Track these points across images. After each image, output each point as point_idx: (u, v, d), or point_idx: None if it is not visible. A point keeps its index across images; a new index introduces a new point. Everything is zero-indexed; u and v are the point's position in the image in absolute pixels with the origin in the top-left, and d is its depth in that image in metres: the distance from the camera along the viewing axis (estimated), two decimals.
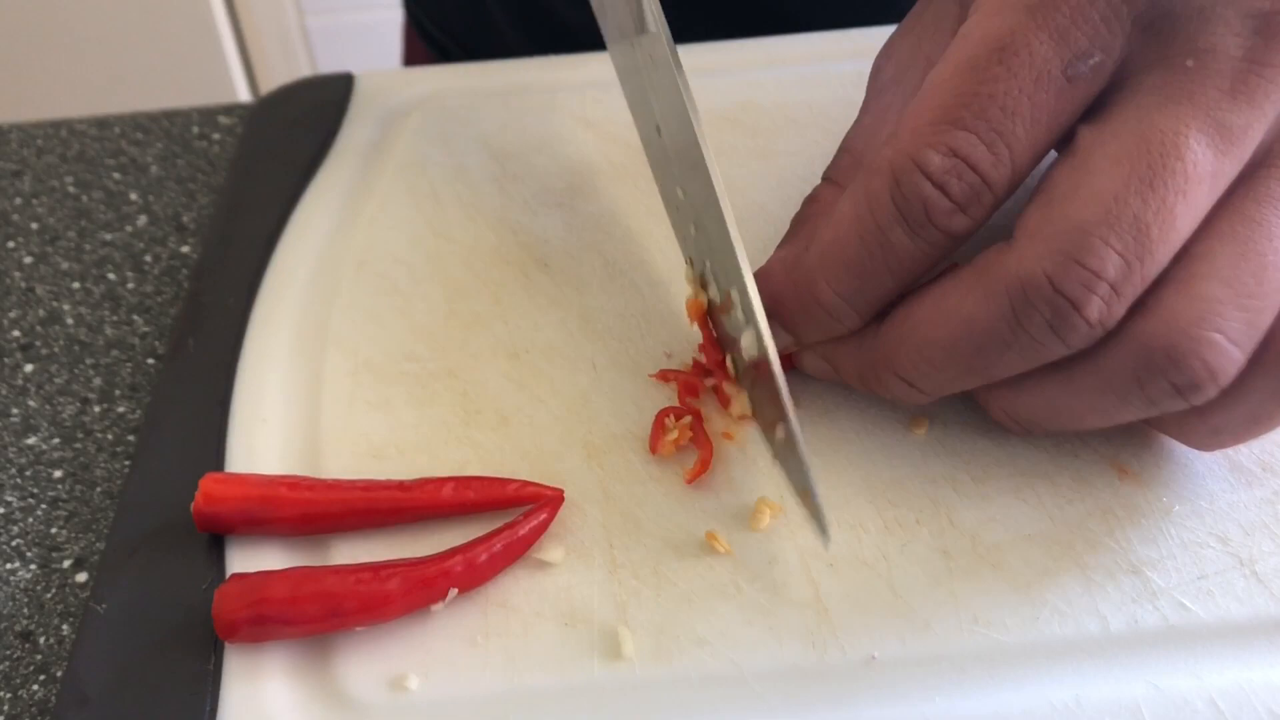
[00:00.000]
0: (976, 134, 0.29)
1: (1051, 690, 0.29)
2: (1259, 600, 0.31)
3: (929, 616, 0.31)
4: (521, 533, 0.32)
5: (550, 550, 0.33)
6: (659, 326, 0.40)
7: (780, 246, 0.36)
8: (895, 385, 0.32)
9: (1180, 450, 0.34)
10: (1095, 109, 0.30)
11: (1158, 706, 0.29)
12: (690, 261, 0.37)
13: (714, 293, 0.35)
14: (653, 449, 0.35)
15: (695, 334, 0.39)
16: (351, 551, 0.33)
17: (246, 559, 0.33)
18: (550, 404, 0.37)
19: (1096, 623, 0.30)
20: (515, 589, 0.32)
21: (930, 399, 0.33)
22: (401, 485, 0.33)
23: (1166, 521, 0.33)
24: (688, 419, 0.35)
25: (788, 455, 0.31)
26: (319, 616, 0.30)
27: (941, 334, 0.30)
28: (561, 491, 0.34)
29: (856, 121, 0.37)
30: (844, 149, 0.37)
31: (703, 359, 0.37)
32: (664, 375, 0.37)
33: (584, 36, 0.48)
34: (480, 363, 0.39)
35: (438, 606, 0.31)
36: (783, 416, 0.31)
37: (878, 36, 0.53)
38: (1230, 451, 0.34)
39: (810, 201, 0.37)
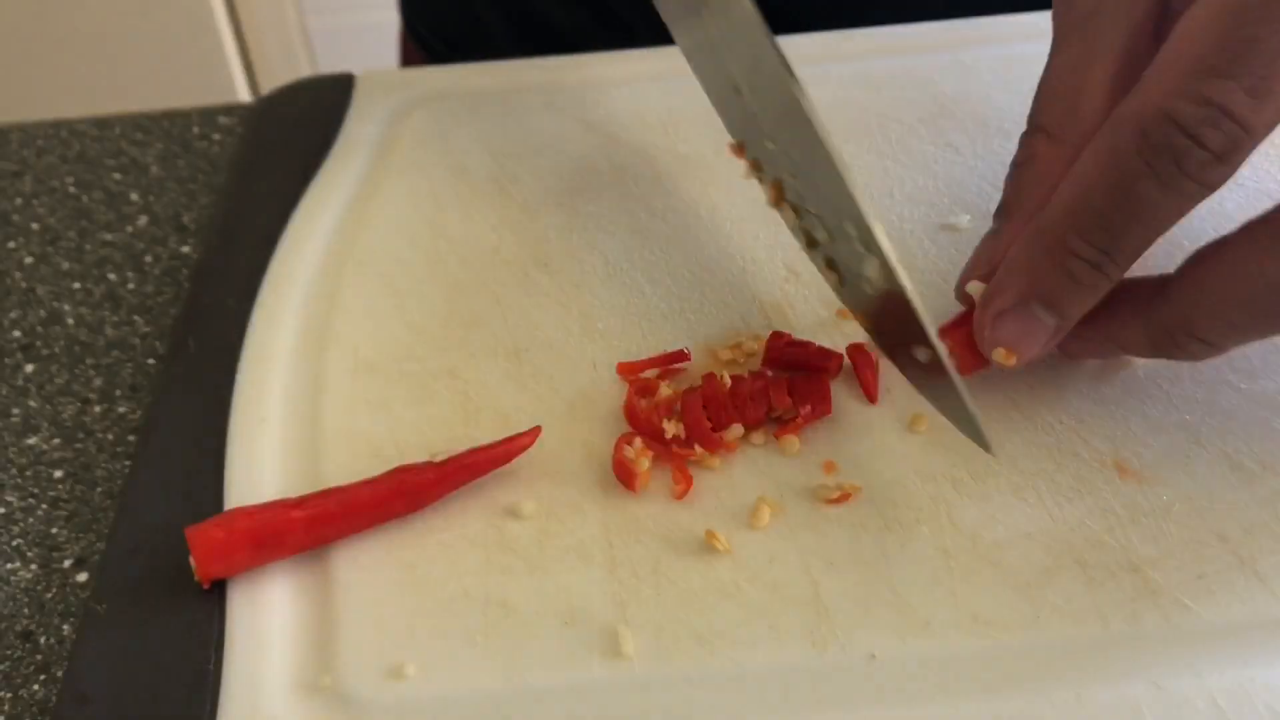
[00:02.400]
0: (1236, 80, 0.28)
1: (1051, 690, 0.29)
2: (1259, 599, 0.31)
3: (929, 616, 0.31)
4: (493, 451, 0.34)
5: (523, 503, 0.34)
6: (659, 326, 0.40)
7: (1003, 215, 0.35)
8: (1195, 347, 0.32)
9: (1181, 448, 0.34)
10: None
11: (1158, 706, 0.29)
12: (793, 209, 0.37)
13: (820, 234, 0.34)
14: (630, 487, 0.34)
15: (695, 334, 0.39)
16: (352, 552, 0.33)
17: None
18: (550, 404, 0.37)
19: (1096, 621, 0.30)
20: (515, 588, 0.32)
21: (1222, 354, 0.33)
22: (368, 482, 0.34)
23: (1167, 520, 0.33)
24: (639, 442, 0.34)
25: (933, 376, 0.31)
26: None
27: (1243, 295, 0.30)
28: (538, 427, 0.35)
29: (1053, 59, 0.35)
30: (1048, 92, 0.35)
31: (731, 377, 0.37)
32: (627, 368, 0.37)
33: (576, 41, 0.48)
34: (480, 363, 0.39)
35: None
36: (924, 338, 0.31)
37: (877, 37, 0.53)
38: (1230, 450, 0.34)
39: (1025, 163, 0.35)
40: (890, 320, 0.32)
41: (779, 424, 0.36)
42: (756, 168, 0.38)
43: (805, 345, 0.37)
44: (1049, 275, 0.32)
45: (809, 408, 0.35)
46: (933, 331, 0.31)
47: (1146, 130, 0.29)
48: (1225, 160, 0.29)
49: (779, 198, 0.36)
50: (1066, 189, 0.31)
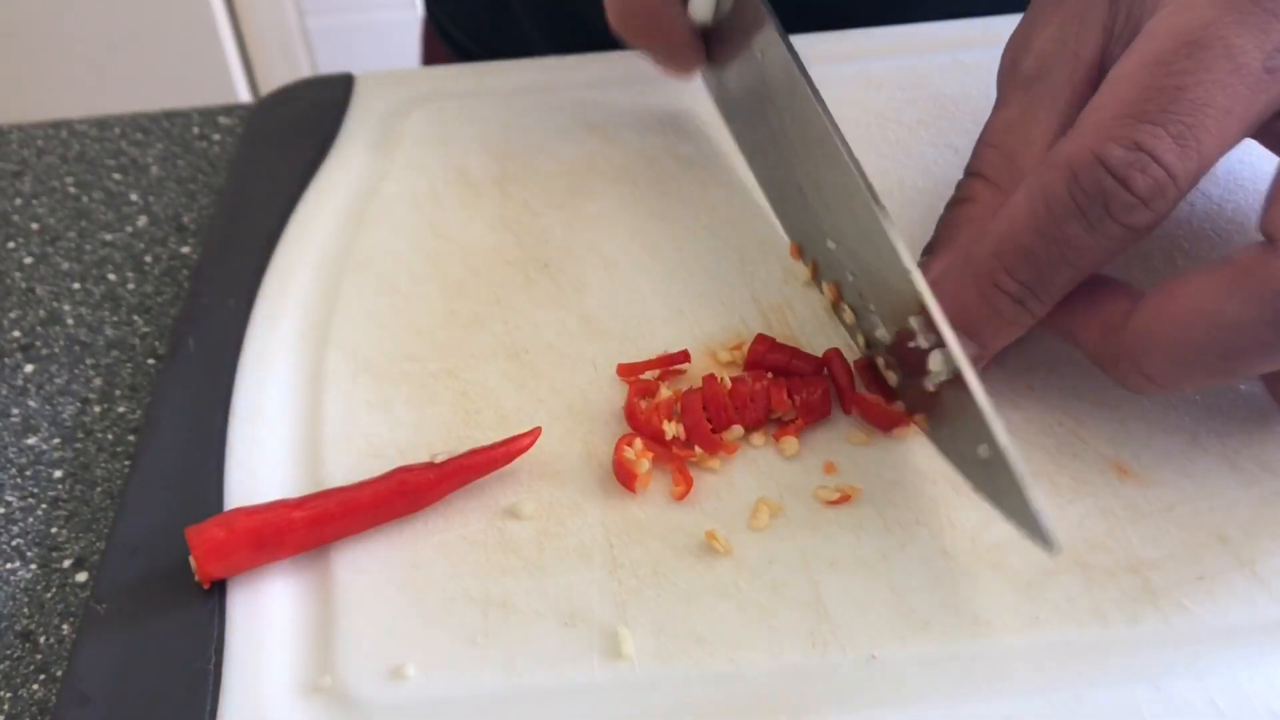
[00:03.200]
0: (1163, 127, 0.29)
1: (1051, 690, 0.29)
2: (1259, 599, 0.31)
3: (929, 616, 0.31)
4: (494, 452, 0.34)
5: (524, 503, 0.34)
6: (659, 326, 0.40)
7: (932, 252, 0.36)
8: (1137, 380, 0.32)
9: (1181, 449, 0.34)
10: None
11: (1158, 706, 0.29)
12: (851, 309, 0.37)
13: (880, 333, 0.35)
14: (630, 488, 0.34)
15: (695, 335, 0.39)
16: (352, 553, 0.33)
17: None
18: (550, 404, 0.37)
19: (1096, 622, 0.30)
20: (515, 589, 0.32)
21: (1164, 392, 0.32)
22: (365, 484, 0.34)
23: (1166, 521, 0.33)
24: (639, 443, 0.34)
25: (997, 474, 0.30)
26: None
27: (1197, 337, 0.30)
28: (539, 428, 0.35)
29: (996, 115, 0.36)
30: (988, 144, 0.36)
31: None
32: (628, 369, 0.37)
33: (609, 36, 0.48)
34: (480, 363, 0.39)
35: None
36: (987, 435, 0.30)
37: (877, 37, 0.53)
38: (1230, 451, 0.34)
39: (962, 202, 0.36)
40: (951, 415, 0.32)
41: (779, 425, 0.36)
42: (816, 270, 0.38)
43: (789, 350, 0.37)
44: (973, 306, 0.33)
45: (808, 409, 0.35)
46: (999, 428, 0.30)
47: (1077, 172, 0.30)
48: (1150, 205, 0.30)
49: (838, 298, 0.37)
50: (997, 225, 0.32)
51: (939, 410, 0.33)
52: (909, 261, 0.32)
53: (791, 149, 0.38)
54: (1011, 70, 0.36)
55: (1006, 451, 0.29)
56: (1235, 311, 0.29)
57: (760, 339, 0.37)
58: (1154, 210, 0.30)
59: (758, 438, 0.35)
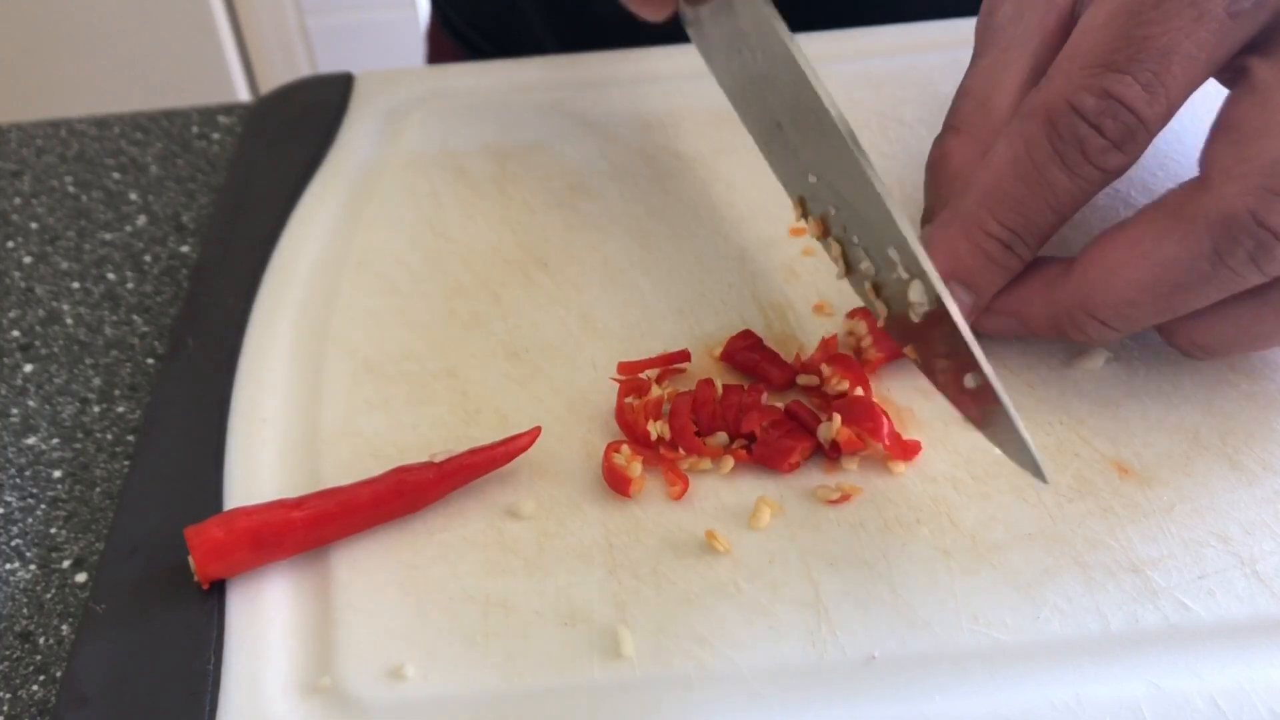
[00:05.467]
0: (1132, 75, 0.30)
1: (1051, 690, 0.29)
2: (1260, 599, 0.31)
3: (929, 616, 0.31)
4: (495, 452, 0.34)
5: (523, 503, 0.34)
6: (659, 326, 0.40)
7: (926, 215, 0.37)
8: (1092, 327, 0.33)
9: (1181, 449, 0.34)
10: (1263, 42, 0.31)
11: (1158, 706, 0.29)
12: (838, 241, 0.37)
13: (866, 267, 0.35)
14: (624, 493, 0.34)
15: (695, 335, 0.39)
16: (351, 553, 0.33)
17: None
18: (550, 404, 0.37)
19: (1097, 622, 0.30)
20: (515, 589, 0.32)
21: (1123, 336, 0.34)
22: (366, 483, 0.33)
23: (1167, 520, 0.33)
24: (626, 449, 0.34)
25: (982, 403, 0.31)
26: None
27: (1141, 276, 0.31)
28: (538, 428, 0.35)
29: (973, 64, 0.37)
30: (964, 93, 0.37)
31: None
32: (628, 368, 0.37)
33: (617, 31, 0.48)
34: (480, 363, 0.39)
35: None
36: (972, 365, 0.31)
37: (877, 37, 0.53)
38: (1230, 450, 0.34)
39: (941, 160, 0.37)
40: (937, 347, 0.32)
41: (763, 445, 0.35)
42: (821, 226, 0.37)
43: (769, 355, 0.37)
44: (966, 254, 0.34)
45: (765, 452, 0.34)
46: (980, 354, 0.31)
47: (1054, 120, 0.32)
48: (1123, 148, 0.31)
49: (824, 232, 0.37)
50: (982, 175, 0.33)
51: (926, 341, 0.33)
52: (882, 191, 0.33)
53: (766, 84, 0.38)
54: (988, 20, 0.37)
55: (992, 380, 0.30)
56: (1173, 248, 0.31)
57: (745, 334, 0.37)
58: (1126, 153, 0.31)
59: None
